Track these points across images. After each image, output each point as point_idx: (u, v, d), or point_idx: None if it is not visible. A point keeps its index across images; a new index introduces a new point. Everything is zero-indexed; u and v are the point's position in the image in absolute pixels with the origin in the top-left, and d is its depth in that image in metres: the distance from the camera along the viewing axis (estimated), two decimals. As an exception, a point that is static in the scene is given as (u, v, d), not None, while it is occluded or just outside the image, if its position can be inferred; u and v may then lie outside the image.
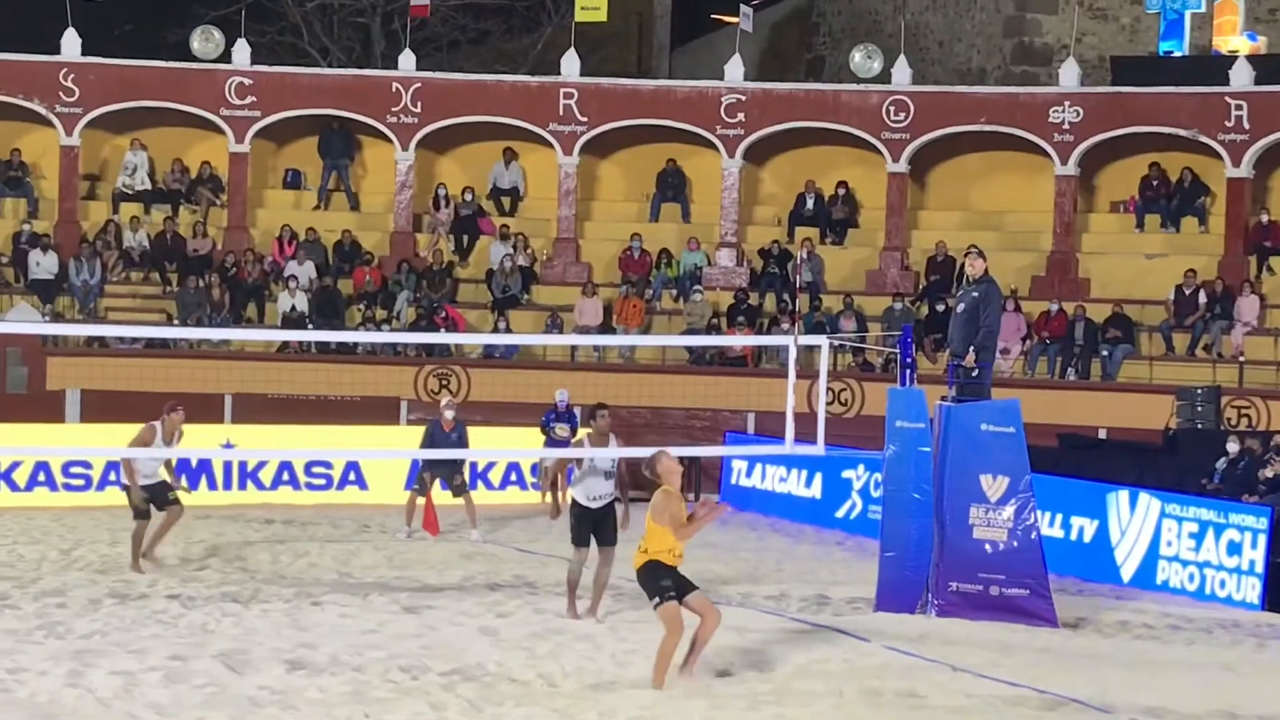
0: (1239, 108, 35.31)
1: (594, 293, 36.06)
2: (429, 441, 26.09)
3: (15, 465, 28.40)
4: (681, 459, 17.12)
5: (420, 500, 25.84)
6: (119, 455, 23.08)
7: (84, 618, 18.58)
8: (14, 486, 28.48)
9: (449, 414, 26.16)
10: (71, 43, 36.84)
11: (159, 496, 22.32)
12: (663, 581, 15.66)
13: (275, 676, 15.86)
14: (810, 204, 38.07)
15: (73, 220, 37.04)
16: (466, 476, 26.73)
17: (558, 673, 16.40)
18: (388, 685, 15.69)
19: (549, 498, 24.29)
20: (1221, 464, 25.30)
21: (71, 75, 36.82)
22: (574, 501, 19.54)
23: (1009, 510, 19.80)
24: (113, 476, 28.44)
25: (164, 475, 22.46)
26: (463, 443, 26.02)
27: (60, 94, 36.79)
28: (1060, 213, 36.43)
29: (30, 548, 23.87)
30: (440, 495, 25.89)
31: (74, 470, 28.75)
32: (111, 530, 25.57)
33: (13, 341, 33.05)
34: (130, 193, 38.01)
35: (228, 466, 29.26)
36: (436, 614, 19.36)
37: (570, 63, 37.82)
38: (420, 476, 26.25)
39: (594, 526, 19.33)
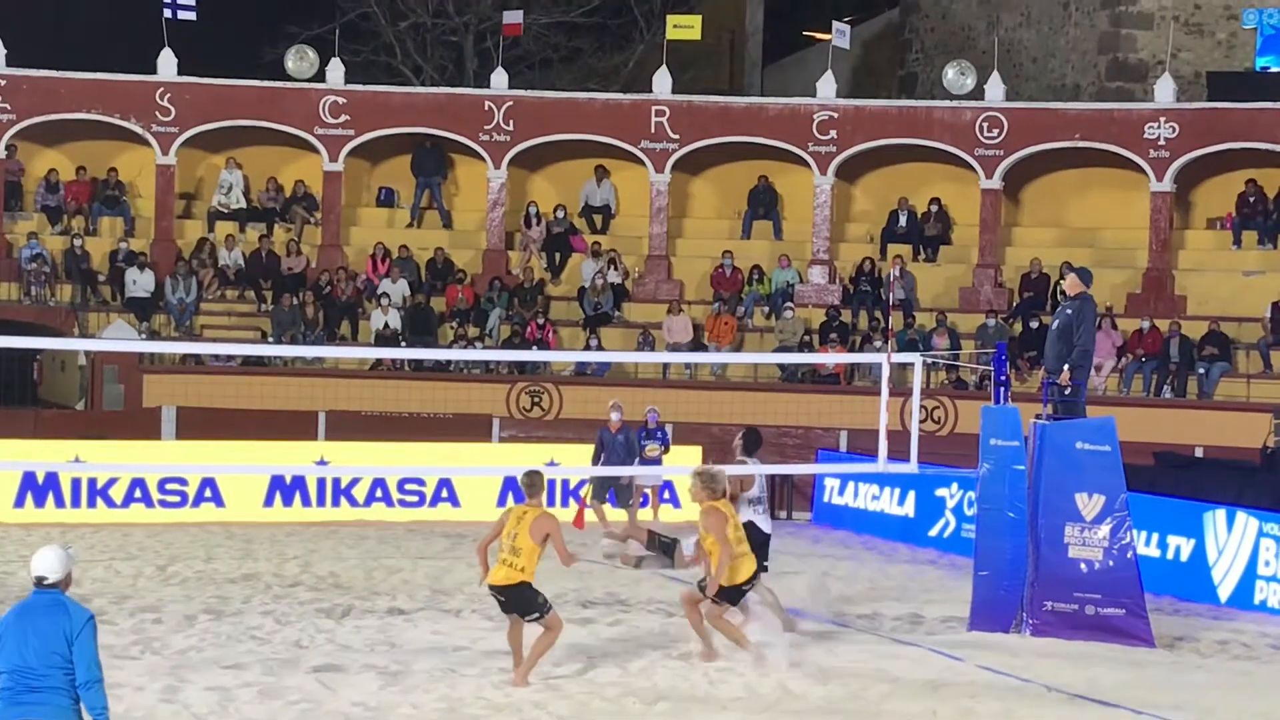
0: (1337, 122, 34.96)
1: (684, 310, 36.04)
2: (600, 447, 27.27)
3: (112, 482, 28.65)
4: (773, 477, 17.62)
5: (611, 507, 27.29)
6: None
7: (179, 633, 18.71)
8: (110, 503, 28.73)
9: (615, 416, 26.88)
10: (167, 63, 37.16)
11: None
12: (539, 598, 16.37)
13: (369, 693, 15.91)
14: (903, 221, 37.93)
15: (169, 238, 37.36)
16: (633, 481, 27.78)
17: (650, 691, 16.37)
18: (480, 702, 15.72)
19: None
20: (1320, 483, 25.02)
21: (168, 95, 37.14)
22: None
23: (1104, 529, 19.63)
24: (208, 493, 28.80)
25: None
26: (630, 446, 26.76)
27: (156, 113, 37.12)
28: (1156, 229, 36.14)
29: (126, 564, 24.07)
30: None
31: (169, 487, 28.98)
32: (206, 546, 25.79)
33: (110, 359, 33.40)
34: (225, 211, 38.31)
35: (321, 483, 29.42)
36: (525, 631, 19.33)
37: (662, 80, 37.84)
38: (597, 489, 27.41)
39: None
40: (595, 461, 27.41)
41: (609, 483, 27.37)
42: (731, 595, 17.37)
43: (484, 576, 16.47)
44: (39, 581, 10.32)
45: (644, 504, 30.68)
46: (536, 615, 16.32)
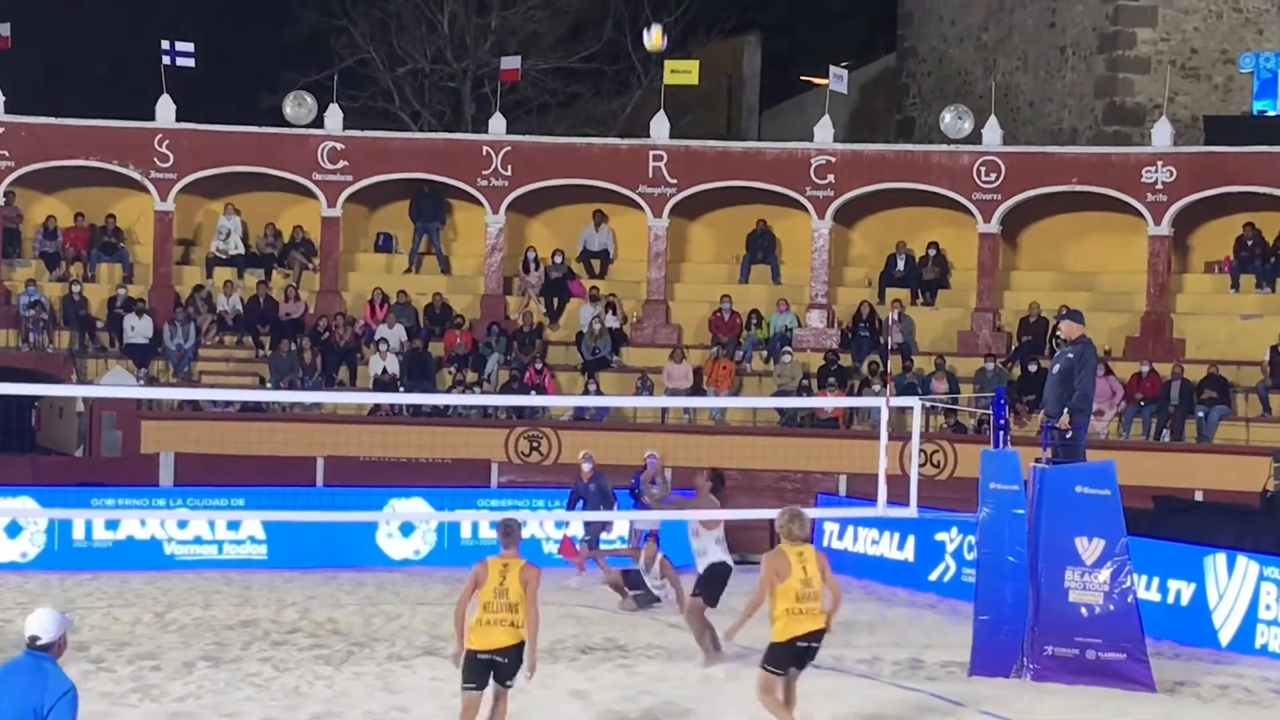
0: (1334, 166, 35.01)
1: (684, 355, 36.04)
2: (575, 497, 27.76)
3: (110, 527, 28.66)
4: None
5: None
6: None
7: (178, 680, 18.67)
8: (107, 549, 28.69)
9: (586, 466, 27.08)
10: (166, 109, 37.22)
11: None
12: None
13: (367, 740, 15.86)
14: (901, 265, 37.96)
15: (167, 285, 37.37)
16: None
17: (650, 737, 16.32)
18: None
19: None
20: (1321, 526, 24.96)
21: (166, 141, 37.19)
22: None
23: (1105, 573, 19.60)
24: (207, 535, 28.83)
25: None
26: (604, 492, 26.91)
27: (155, 160, 37.16)
28: (1154, 273, 36.17)
29: (125, 610, 24.01)
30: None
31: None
32: (204, 594, 25.73)
33: (108, 405, 33.38)
34: (223, 257, 38.33)
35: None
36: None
37: (660, 125, 37.90)
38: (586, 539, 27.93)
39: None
40: (570, 509, 28.12)
41: (598, 529, 27.89)
42: (776, 654, 15.45)
43: (461, 643, 14.81)
44: (31, 641, 10.09)
45: (641, 544, 30.67)
46: (513, 681, 14.91)
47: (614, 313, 37.39)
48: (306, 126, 37.86)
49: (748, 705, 17.72)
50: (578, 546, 28.10)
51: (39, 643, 10.09)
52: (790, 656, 15.31)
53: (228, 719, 16.62)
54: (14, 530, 28.32)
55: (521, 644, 14.68)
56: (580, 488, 27.78)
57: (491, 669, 14.76)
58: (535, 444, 34.07)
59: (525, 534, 29.89)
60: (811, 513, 30.77)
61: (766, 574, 15.33)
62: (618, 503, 28.10)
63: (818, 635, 15.34)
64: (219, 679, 18.82)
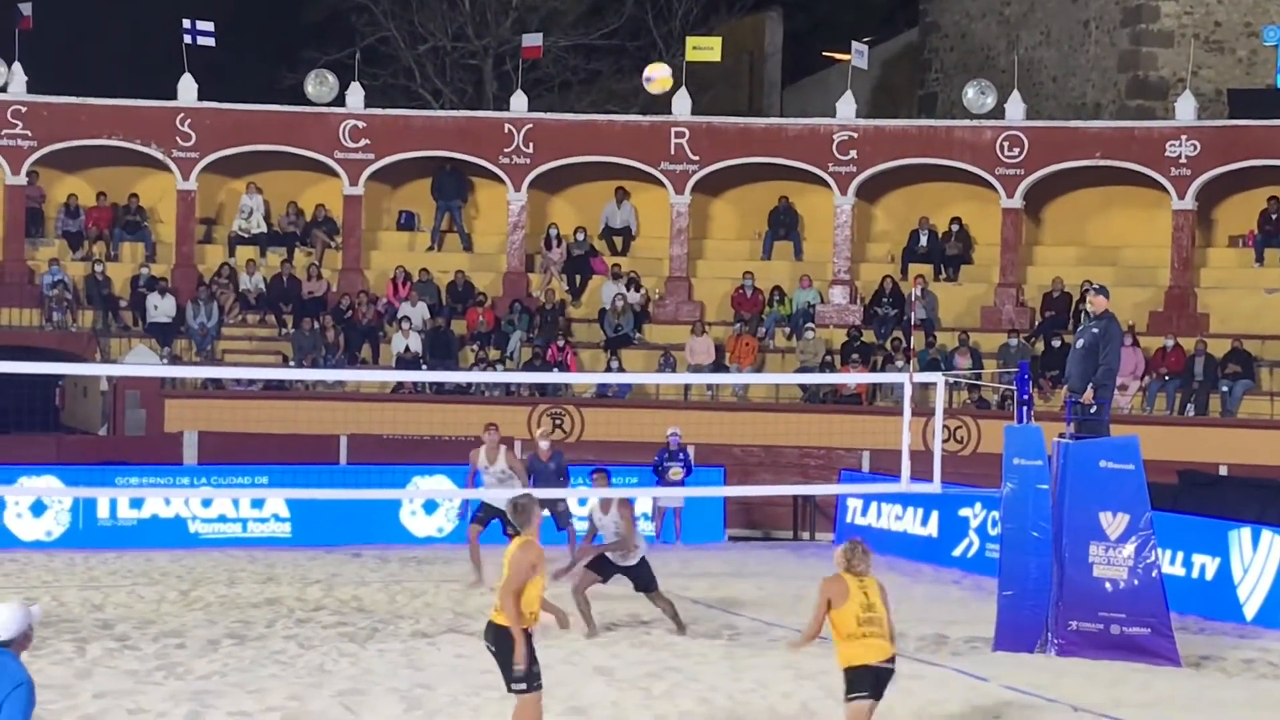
0: (1359, 139, 34.87)
1: (705, 331, 36.00)
2: (530, 474, 26.05)
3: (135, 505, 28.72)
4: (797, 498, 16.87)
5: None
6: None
7: (203, 658, 18.69)
8: (132, 528, 28.76)
9: (544, 444, 26.40)
10: (188, 88, 37.23)
11: None
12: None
13: (392, 717, 15.87)
14: (924, 240, 37.88)
15: (189, 264, 37.41)
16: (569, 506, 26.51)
17: (673, 713, 16.31)
18: (504, 726, 15.66)
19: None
20: (1346, 500, 24.90)
21: (188, 120, 37.21)
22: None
23: (1129, 548, 19.55)
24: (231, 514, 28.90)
25: None
26: (561, 471, 26.20)
27: (177, 139, 37.19)
28: (1178, 247, 36.06)
29: (149, 588, 24.06)
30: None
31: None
32: (229, 572, 25.78)
33: (131, 384, 33.45)
34: (246, 236, 38.36)
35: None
36: (551, 653, 19.27)
37: (681, 102, 37.83)
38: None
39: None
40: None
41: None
42: (853, 679, 14.07)
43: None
44: None
45: (667, 525, 30.69)
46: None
47: (636, 290, 37.36)
48: (328, 105, 37.86)
49: (770, 680, 17.74)
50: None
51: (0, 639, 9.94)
52: (870, 680, 14.06)
53: (253, 695, 16.63)
54: (39, 509, 28.39)
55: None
56: (536, 465, 26.15)
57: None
58: (558, 421, 34.06)
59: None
60: (834, 489, 31.04)
61: (821, 599, 14.15)
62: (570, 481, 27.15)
63: (890, 659, 14.14)
64: (244, 657, 18.85)
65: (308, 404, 33.50)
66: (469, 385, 34.64)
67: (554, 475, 26.13)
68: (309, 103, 38.01)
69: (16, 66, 36.75)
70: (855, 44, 38.64)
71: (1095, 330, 20.15)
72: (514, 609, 13.49)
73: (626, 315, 36.69)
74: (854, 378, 32.98)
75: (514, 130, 37.73)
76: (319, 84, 38.11)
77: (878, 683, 14.04)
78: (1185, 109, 36.41)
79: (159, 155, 37.27)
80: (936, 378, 22.90)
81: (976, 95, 37.83)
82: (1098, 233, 37.87)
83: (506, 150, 37.70)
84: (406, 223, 39.62)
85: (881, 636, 14.01)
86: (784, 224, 38.60)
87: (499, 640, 13.64)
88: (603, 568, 21.07)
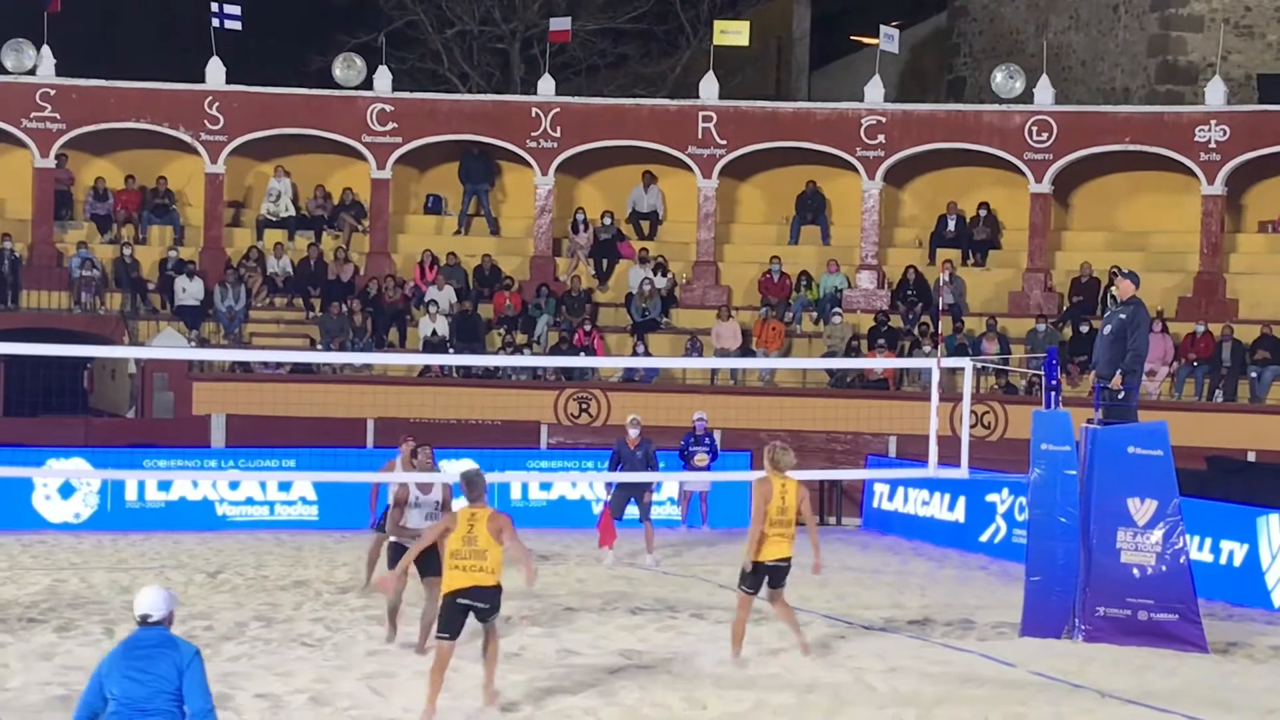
0: (1390, 124, 34.72)
1: (732, 316, 35.97)
2: (616, 460, 26.44)
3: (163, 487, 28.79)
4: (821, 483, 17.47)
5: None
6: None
7: (231, 640, 18.74)
8: (160, 510, 28.83)
9: (633, 432, 26.36)
10: (216, 71, 37.29)
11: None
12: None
13: (419, 699, 15.88)
14: (952, 225, 37.81)
15: (218, 247, 37.47)
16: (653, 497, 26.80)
17: (700, 698, 16.31)
18: (529, 708, 15.67)
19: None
20: (1375, 487, 24.80)
21: (216, 104, 37.26)
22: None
23: (1157, 534, 19.51)
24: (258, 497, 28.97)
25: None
26: (649, 460, 26.23)
27: (205, 122, 37.24)
28: (1207, 233, 35.95)
29: (177, 571, 24.13)
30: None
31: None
32: (256, 554, 25.84)
33: (159, 367, 33.52)
34: (274, 219, 38.41)
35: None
36: (577, 637, 19.34)
37: (709, 86, 37.78)
38: (615, 497, 26.24)
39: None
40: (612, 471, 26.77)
41: (629, 493, 26.08)
42: (747, 577, 17.65)
43: (390, 589, 17.38)
44: (144, 619, 10.66)
45: (693, 509, 30.69)
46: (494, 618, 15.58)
47: (663, 274, 37.35)
48: (355, 88, 37.90)
49: (796, 668, 17.74)
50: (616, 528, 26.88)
51: (152, 619, 10.67)
52: (759, 578, 17.43)
53: (280, 678, 16.67)
54: (67, 491, 28.49)
55: (494, 587, 15.28)
56: (625, 452, 26.55)
57: (469, 613, 15.38)
58: (585, 405, 34.07)
59: (575, 495, 30.22)
60: (861, 474, 31.00)
61: (757, 499, 17.17)
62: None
63: (785, 560, 17.45)
64: (271, 639, 18.89)
65: (335, 387, 33.57)
66: (496, 369, 34.66)
67: (641, 463, 26.16)
68: (337, 86, 38.05)
69: (45, 50, 36.82)
70: (883, 28, 38.56)
71: (1123, 316, 20.10)
72: (524, 549, 15.33)
73: (653, 300, 36.67)
74: (881, 363, 32.94)
75: (541, 114, 37.72)
76: (347, 67, 38.15)
77: (771, 579, 17.44)
78: (1215, 94, 36.28)
79: (187, 138, 37.31)
80: (964, 363, 22.88)
81: (1005, 80, 37.74)
82: (1126, 218, 37.77)
83: (534, 134, 37.69)
84: (434, 206, 39.64)
85: (785, 537, 17.30)
86: (811, 209, 38.55)
87: (495, 599, 15.33)
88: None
